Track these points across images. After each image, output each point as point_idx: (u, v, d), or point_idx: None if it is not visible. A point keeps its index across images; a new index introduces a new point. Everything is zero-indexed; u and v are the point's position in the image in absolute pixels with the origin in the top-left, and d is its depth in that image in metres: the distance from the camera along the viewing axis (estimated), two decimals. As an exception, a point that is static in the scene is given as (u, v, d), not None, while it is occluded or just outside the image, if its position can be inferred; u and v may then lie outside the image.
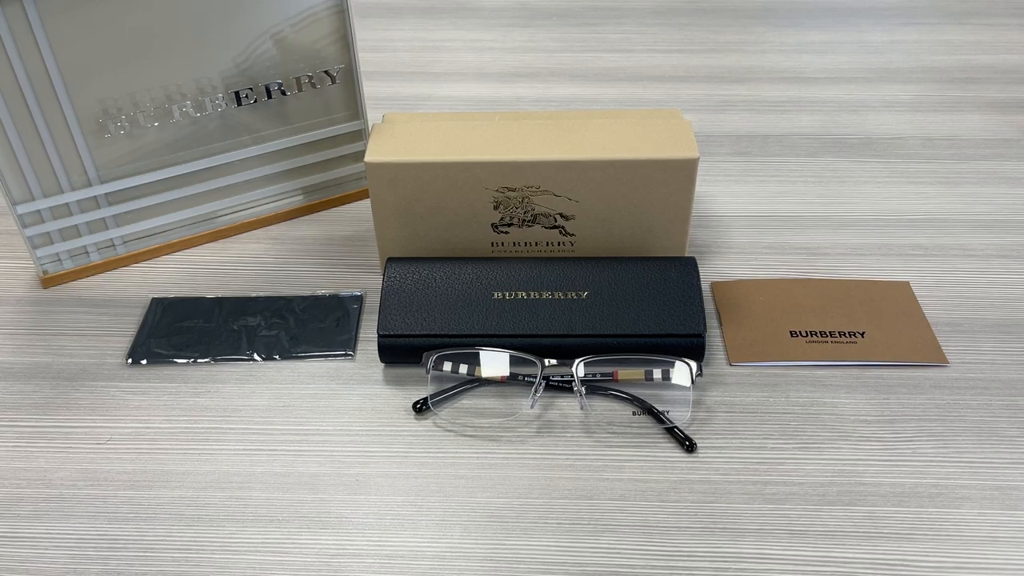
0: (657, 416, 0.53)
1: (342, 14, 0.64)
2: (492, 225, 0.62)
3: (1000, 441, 0.51)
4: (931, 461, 0.50)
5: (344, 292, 0.63)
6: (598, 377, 0.55)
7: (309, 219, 0.71)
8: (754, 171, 0.76)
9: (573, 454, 0.51)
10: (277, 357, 0.58)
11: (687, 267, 0.58)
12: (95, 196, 0.63)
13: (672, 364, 0.54)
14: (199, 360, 0.58)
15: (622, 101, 0.87)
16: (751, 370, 0.56)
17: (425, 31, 1.02)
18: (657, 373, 0.55)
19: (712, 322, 0.60)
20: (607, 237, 0.63)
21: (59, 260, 0.64)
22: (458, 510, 0.48)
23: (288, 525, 0.48)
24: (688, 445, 0.51)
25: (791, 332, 0.58)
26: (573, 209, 0.61)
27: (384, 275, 0.58)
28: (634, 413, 0.53)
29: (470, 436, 0.53)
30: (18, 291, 0.64)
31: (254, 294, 0.63)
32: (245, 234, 0.70)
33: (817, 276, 0.64)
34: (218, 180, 0.67)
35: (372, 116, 0.68)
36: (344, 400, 0.55)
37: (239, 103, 0.64)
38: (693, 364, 0.53)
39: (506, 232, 0.63)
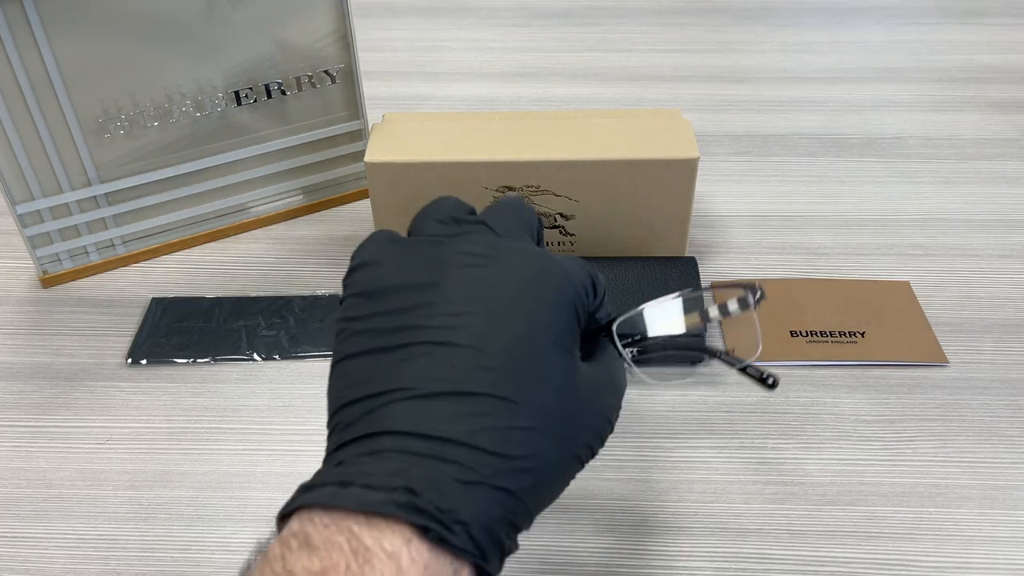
0: (728, 360, 0.44)
1: (342, 14, 0.64)
2: (492, 225, 0.62)
3: (1000, 441, 0.51)
4: (931, 461, 0.50)
5: (344, 292, 0.63)
6: (642, 337, 0.43)
7: (309, 219, 0.71)
8: (754, 171, 0.76)
9: (573, 454, 0.51)
10: (277, 357, 0.58)
11: (687, 267, 0.58)
12: (95, 196, 0.63)
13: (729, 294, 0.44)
14: (199, 360, 0.58)
15: (622, 101, 0.87)
16: (751, 370, 0.56)
17: (425, 31, 1.01)
18: (714, 311, 0.44)
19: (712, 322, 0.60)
20: (607, 237, 0.63)
21: (59, 260, 0.64)
22: (458, 510, 0.48)
23: (288, 525, 0.48)
24: (771, 382, 0.41)
25: (791, 332, 0.58)
26: (573, 209, 0.61)
27: (384, 275, 0.58)
28: (693, 363, 0.50)
29: (470, 436, 0.53)
30: (18, 291, 0.64)
31: (254, 294, 0.63)
32: (245, 234, 0.70)
33: (817, 276, 0.64)
34: (218, 180, 0.67)
35: (372, 116, 0.68)
36: (344, 400, 0.55)
37: (239, 103, 0.64)
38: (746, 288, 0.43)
39: (506, 232, 0.63)
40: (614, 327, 0.39)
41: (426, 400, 0.29)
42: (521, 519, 0.30)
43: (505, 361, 0.30)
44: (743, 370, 0.44)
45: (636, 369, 0.42)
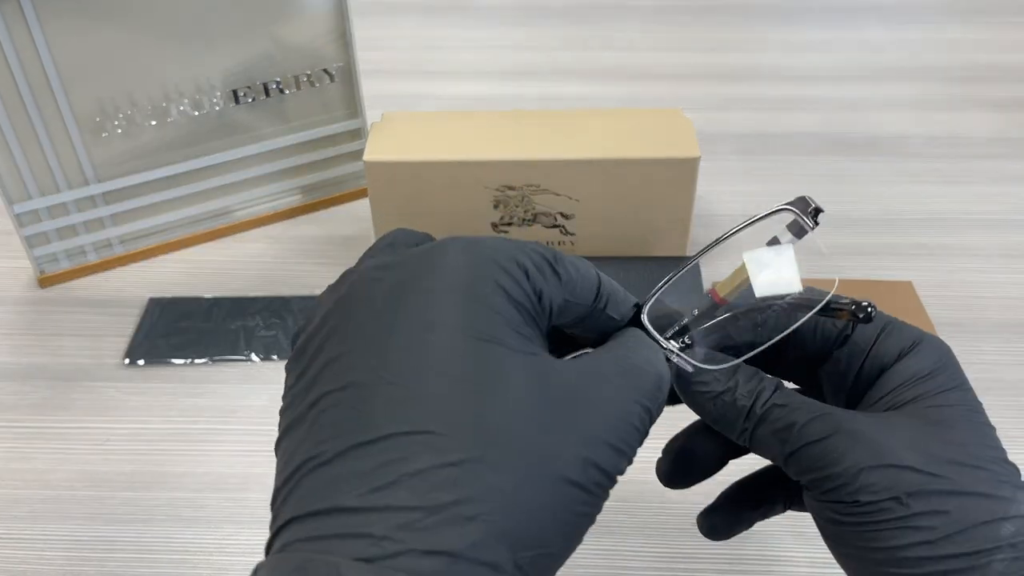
0: (803, 301, 0.34)
1: (341, 12, 0.64)
2: (492, 224, 0.62)
3: (1003, 442, 0.51)
4: (934, 462, 0.50)
5: (343, 292, 0.63)
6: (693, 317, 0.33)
7: (307, 218, 0.71)
8: (756, 170, 0.76)
9: (574, 455, 0.51)
10: (275, 357, 0.57)
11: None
12: (92, 195, 0.63)
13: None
14: (196, 360, 0.57)
15: (623, 99, 0.87)
16: (753, 370, 0.56)
17: (425, 29, 1.01)
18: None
19: (714, 322, 0.60)
20: (608, 237, 0.62)
21: (56, 260, 0.64)
22: (458, 512, 0.48)
23: (286, 527, 0.47)
24: (868, 312, 0.33)
25: (793, 332, 0.58)
26: (573, 208, 0.61)
27: (383, 275, 0.57)
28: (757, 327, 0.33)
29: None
30: (15, 291, 0.64)
31: (252, 294, 0.63)
32: (243, 233, 0.69)
33: (819, 276, 0.63)
34: (216, 179, 0.66)
35: (371, 115, 0.68)
36: (343, 401, 0.55)
37: (237, 102, 0.64)
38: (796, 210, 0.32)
39: (506, 231, 0.62)
40: (644, 313, 0.31)
41: (332, 464, 0.23)
42: None
43: (410, 380, 0.24)
44: (825, 310, 0.33)
45: (690, 361, 0.31)
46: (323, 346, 0.26)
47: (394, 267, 0.27)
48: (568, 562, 0.45)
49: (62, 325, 0.61)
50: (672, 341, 0.31)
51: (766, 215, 0.33)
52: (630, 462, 0.27)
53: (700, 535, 0.47)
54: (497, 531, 0.22)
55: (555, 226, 0.62)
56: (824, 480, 0.28)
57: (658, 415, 0.28)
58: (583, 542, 0.49)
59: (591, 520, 0.26)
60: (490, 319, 0.25)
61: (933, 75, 0.90)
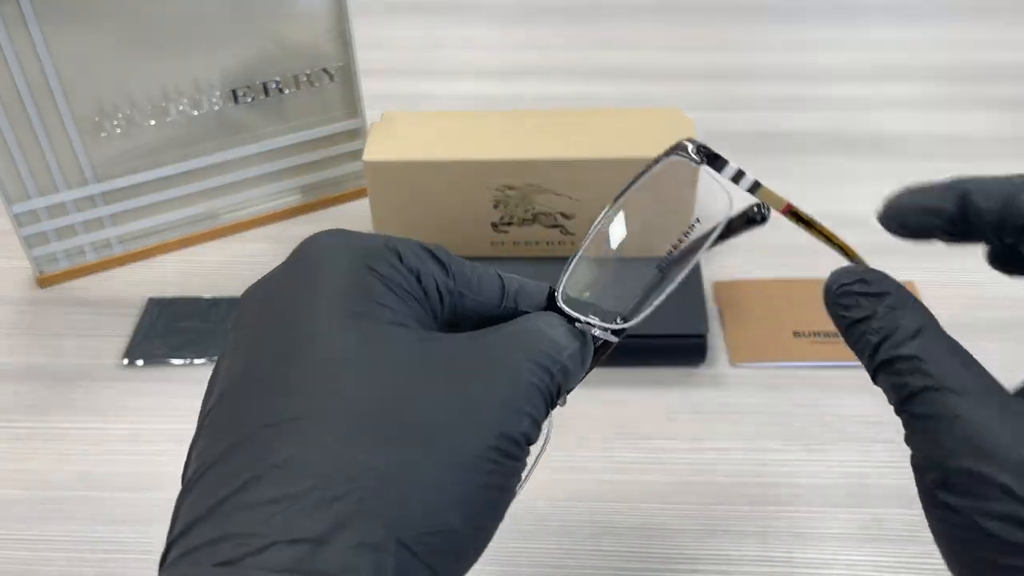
0: (705, 237, 0.34)
1: (340, 11, 0.64)
2: (492, 224, 0.62)
3: (1006, 442, 0.51)
4: (936, 463, 0.50)
5: (343, 292, 0.62)
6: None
7: (307, 218, 0.71)
8: (757, 170, 0.74)
9: (573, 455, 0.51)
10: (275, 357, 0.57)
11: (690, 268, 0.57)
12: (91, 195, 0.62)
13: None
14: (196, 361, 0.57)
15: (624, 99, 0.86)
16: (753, 371, 0.56)
17: (425, 28, 1.01)
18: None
19: (714, 322, 0.60)
20: (608, 236, 0.62)
21: (55, 259, 0.64)
22: (458, 512, 0.48)
23: (286, 528, 0.47)
24: (762, 212, 0.34)
25: (794, 332, 0.58)
26: (574, 208, 0.61)
27: (383, 275, 0.57)
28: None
29: (470, 437, 0.52)
30: (14, 291, 0.64)
31: (252, 294, 0.63)
32: (242, 233, 0.69)
33: (822, 276, 0.63)
34: (215, 179, 0.66)
35: (371, 114, 0.67)
36: (343, 401, 0.54)
37: (236, 101, 0.64)
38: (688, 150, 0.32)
39: (506, 231, 0.62)
40: (558, 293, 0.30)
41: (205, 477, 0.23)
42: None
43: (279, 371, 0.24)
44: (726, 232, 0.34)
45: (602, 325, 0.29)
46: (217, 370, 0.26)
47: (273, 273, 0.27)
48: (567, 562, 0.45)
49: (61, 325, 0.61)
50: (593, 317, 0.29)
51: (649, 168, 0.33)
52: (539, 426, 0.25)
53: (701, 535, 0.47)
54: (369, 511, 0.21)
55: (555, 226, 0.62)
56: (923, 461, 0.26)
57: (565, 380, 0.27)
58: (583, 542, 0.48)
59: (504, 493, 0.24)
60: (360, 297, 0.25)
61: (934, 75, 0.89)
